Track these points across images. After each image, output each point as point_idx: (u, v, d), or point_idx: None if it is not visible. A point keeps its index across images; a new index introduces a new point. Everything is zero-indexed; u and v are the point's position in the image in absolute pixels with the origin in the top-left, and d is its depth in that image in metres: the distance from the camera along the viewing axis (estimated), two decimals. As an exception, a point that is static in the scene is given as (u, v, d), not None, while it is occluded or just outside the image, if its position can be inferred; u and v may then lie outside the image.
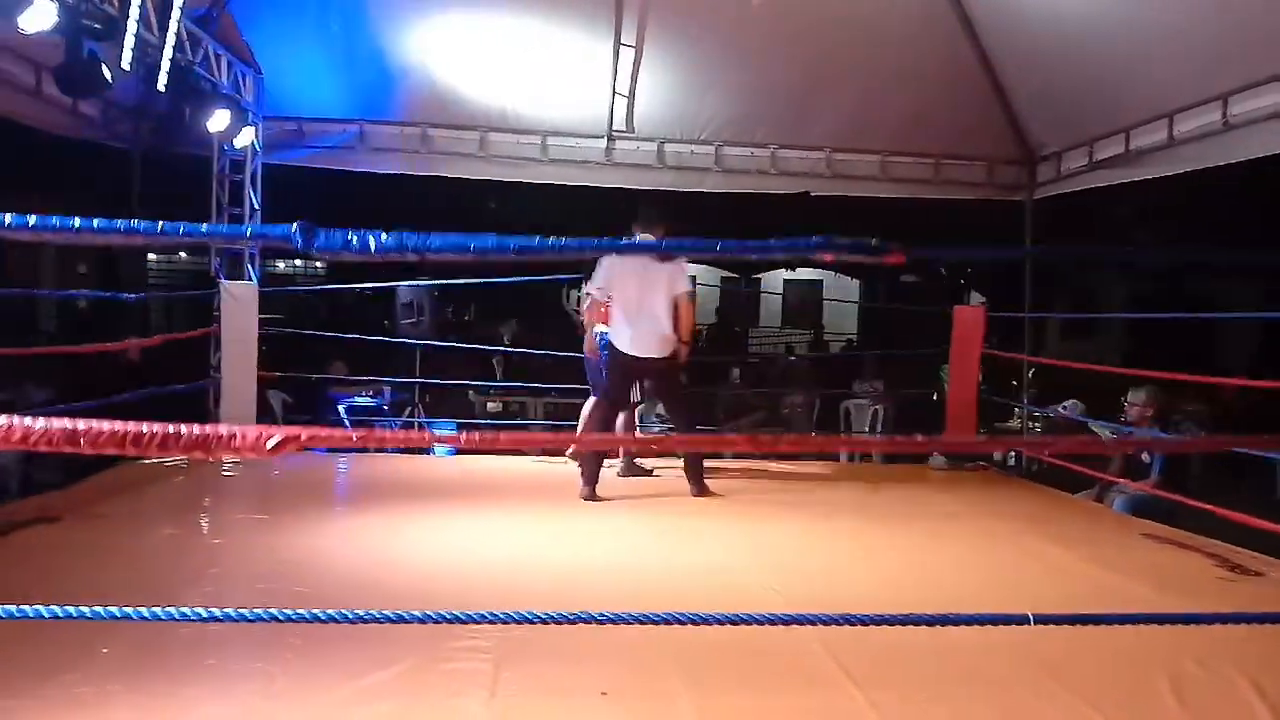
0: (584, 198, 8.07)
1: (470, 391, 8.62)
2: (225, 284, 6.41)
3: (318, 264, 20.19)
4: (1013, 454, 7.57)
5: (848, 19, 6.84)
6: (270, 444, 1.46)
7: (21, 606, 1.98)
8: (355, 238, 1.46)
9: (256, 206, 7.06)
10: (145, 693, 2.45)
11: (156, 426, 1.46)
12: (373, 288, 9.64)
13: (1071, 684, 2.66)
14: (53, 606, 1.98)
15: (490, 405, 9.05)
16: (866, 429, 8.78)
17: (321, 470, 5.99)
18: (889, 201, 8.07)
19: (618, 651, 2.77)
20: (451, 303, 10.13)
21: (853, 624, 2.37)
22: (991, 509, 5.50)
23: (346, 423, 7.74)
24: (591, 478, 5.26)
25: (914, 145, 7.77)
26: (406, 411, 7.98)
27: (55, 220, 1.45)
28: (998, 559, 4.36)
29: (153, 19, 5.21)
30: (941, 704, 2.60)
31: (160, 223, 1.42)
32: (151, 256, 18.49)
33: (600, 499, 5.22)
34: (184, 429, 1.45)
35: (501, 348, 9.54)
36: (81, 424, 1.44)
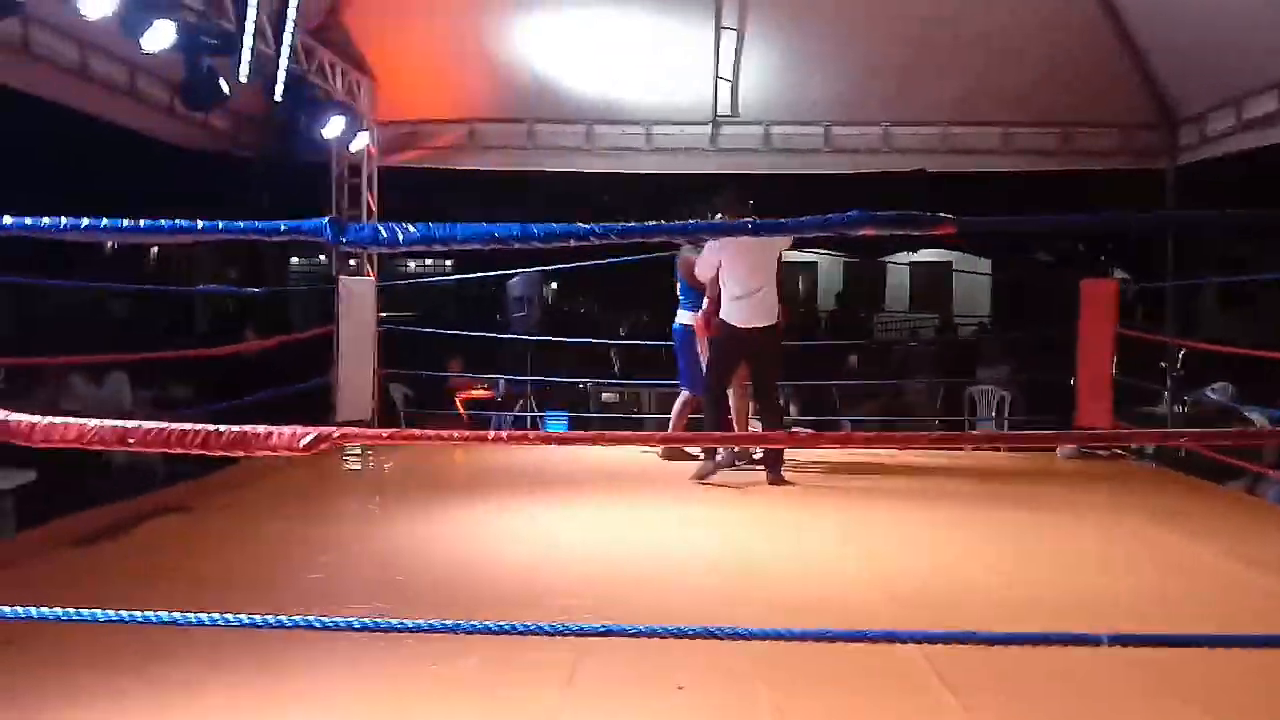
0: (690, 185, 8.02)
1: (582, 383, 8.71)
2: (344, 280, 6.69)
3: (447, 261, 20.93)
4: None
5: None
6: (304, 442, 1.48)
7: (132, 612, 2.06)
8: (384, 230, 1.47)
9: (373, 208, 7.33)
10: (240, 673, 2.57)
11: (200, 426, 1.50)
12: (494, 277, 9.78)
13: (1192, 700, 2.43)
14: (161, 612, 2.05)
15: (605, 396, 9.11)
16: (992, 415, 8.37)
17: (435, 460, 6.17)
18: (1011, 176, 7.66)
19: (699, 645, 2.71)
20: (569, 294, 10.26)
21: (950, 642, 2.23)
22: (1124, 501, 5.14)
23: (462, 415, 7.96)
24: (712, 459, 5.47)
25: (1038, 114, 7.31)
26: (518, 404, 8.14)
27: (109, 221, 1.51)
28: (1124, 556, 4.06)
29: (269, 32, 5.46)
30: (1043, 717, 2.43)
31: (199, 221, 1.46)
32: (294, 260, 19.61)
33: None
34: (223, 429, 1.49)
35: (616, 341, 9.60)
36: (131, 425, 1.50)
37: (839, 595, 3.41)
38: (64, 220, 1.47)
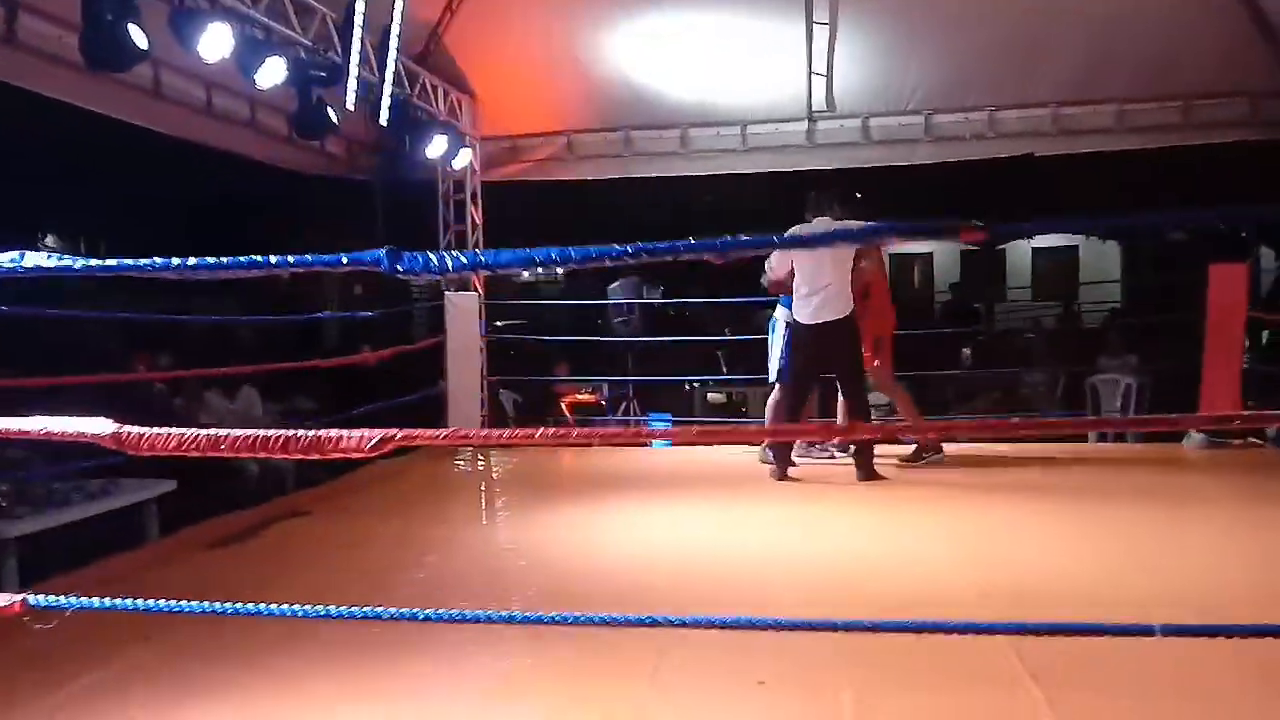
0: (789, 183, 7.96)
1: (687, 384, 8.77)
2: (450, 296, 6.97)
3: (558, 271, 21.37)
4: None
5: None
6: (370, 444, 1.60)
7: (259, 605, 2.25)
8: (435, 258, 1.57)
9: (478, 222, 7.60)
10: (352, 669, 2.75)
11: (280, 432, 1.64)
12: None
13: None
14: (274, 605, 2.22)
15: (712, 396, 9.14)
16: (1117, 407, 7.98)
17: (544, 463, 6.35)
18: (1128, 154, 7.28)
19: (782, 639, 2.73)
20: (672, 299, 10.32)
21: (1023, 633, 2.18)
22: (1256, 492, 4.84)
23: (569, 419, 8.14)
24: (783, 459, 5.47)
25: (1157, 88, 6.94)
26: (622, 407, 8.27)
27: (191, 261, 1.66)
28: (1250, 549, 3.83)
29: (373, 60, 5.76)
30: (1133, 714, 2.34)
31: (271, 257, 1.60)
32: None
33: (793, 479, 5.38)
34: (300, 434, 1.63)
35: (723, 338, 9.58)
36: (223, 433, 1.66)
37: (932, 592, 3.35)
38: (143, 261, 1.64)
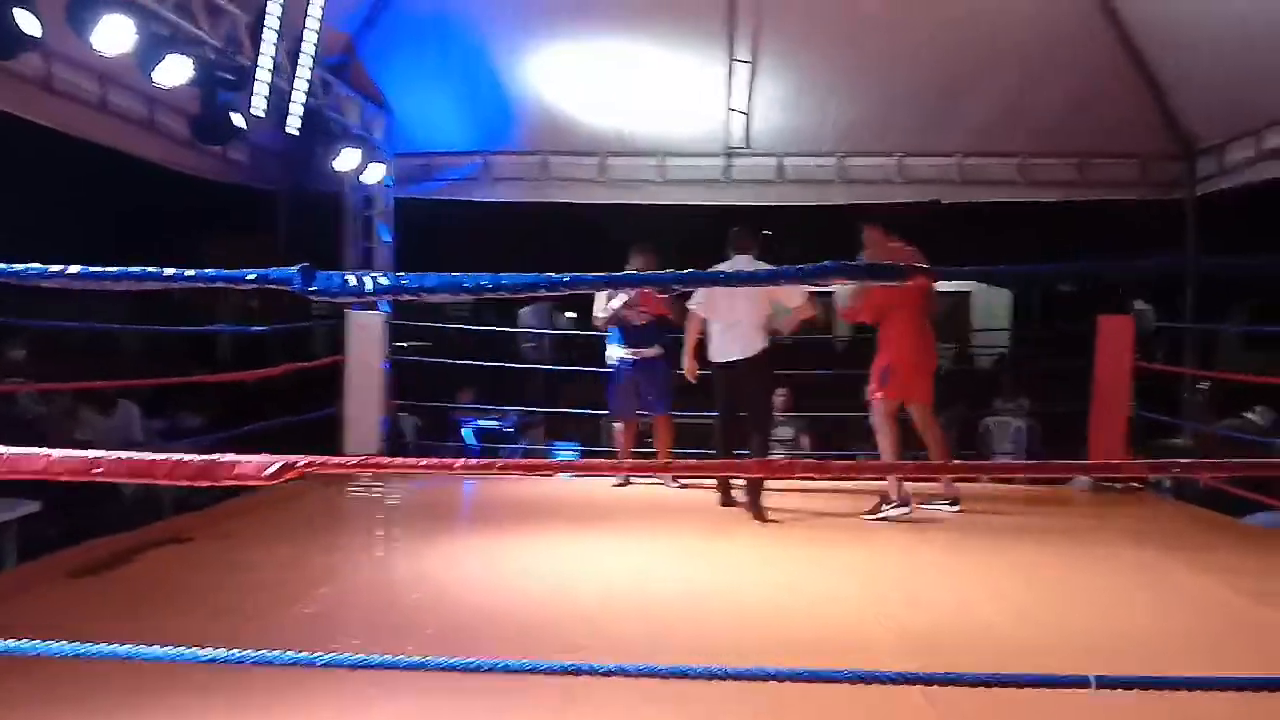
0: (704, 216, 8.00)
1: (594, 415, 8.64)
2: (352, 314, 6.71)
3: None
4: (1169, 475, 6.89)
5: (979, 15, 6.52)
6: (269, 471, 1.45)
7: (114, 647, 2.02)
8: (353, 279, 1.44)
9: (387, 240, 7.38)
10: (235, 710, 2.53)
11: (167, 456, 1.48)
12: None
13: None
14: (144, 647, 2.00)
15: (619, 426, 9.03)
16: (1009, 448, 8.24)
17: (443, 492, 6.13)
18: (1028, 207, 7.60)
19: (688, 687, 2.65)
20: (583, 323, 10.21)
21: (960, 684, 2.13)
22: (1141, 535, 5.02)
23: (475, 445, 7.93)
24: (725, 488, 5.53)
25: (1056, 145, 7.30)
26: (529, 434, 8.10)
27: (75, 269, 1.50)
28: (1142, 591, 3.95)
29: (286, 67, 5.53)
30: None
31: (172, 269, 1.45)
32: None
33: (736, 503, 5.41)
34: (190, 459, 1.47)
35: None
36: (95, 455, 1.48)
37: (850, 634, 3.32)
38: (43, 267, 1.47)
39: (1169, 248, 7.85)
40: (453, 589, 3.86)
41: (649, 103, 7.29)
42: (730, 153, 7.52)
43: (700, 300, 5.44)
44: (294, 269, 1.45)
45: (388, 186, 7.35)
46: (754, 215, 8.21)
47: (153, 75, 4.43)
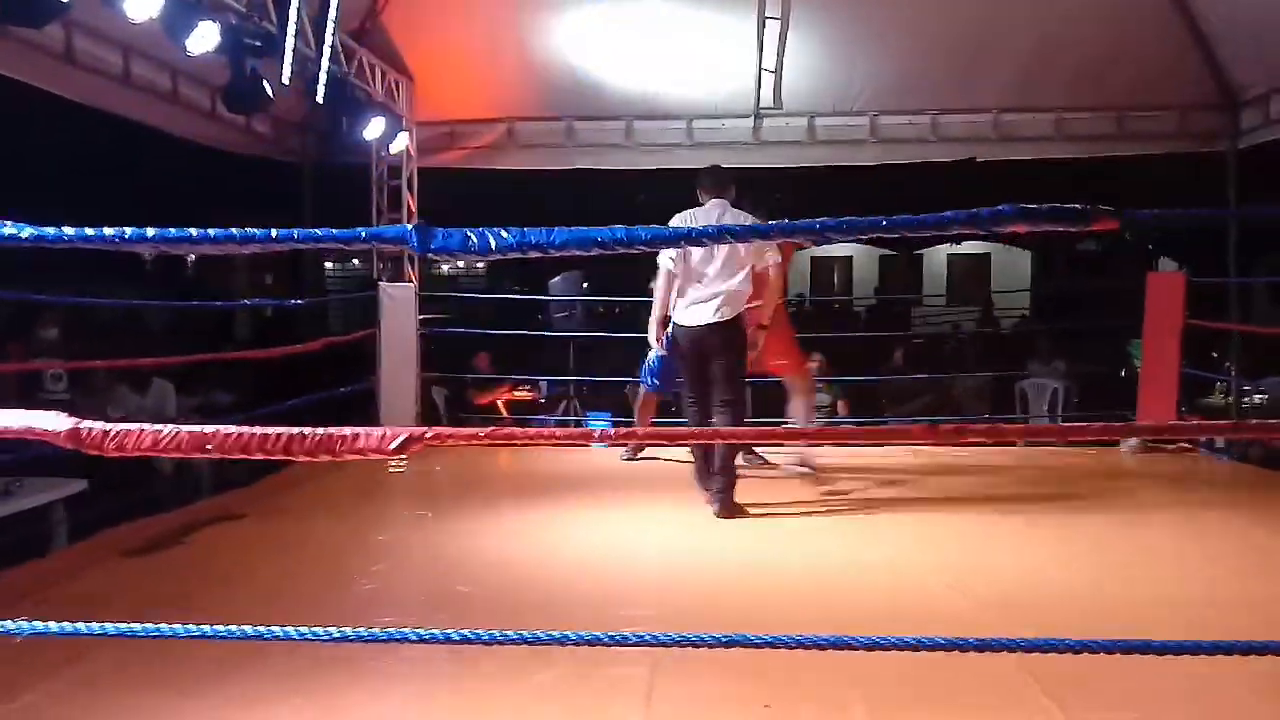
0: (734, 179, 7.85)
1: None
2: (384, 286, 6.63)
3: (479, 264, 20.91)
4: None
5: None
6: (394, 444, 1.37)
7: (188, 627, 1.97)
8: (475, 237, 1.35)
9: (413, 209, 7.26)
10: (306, 694, 2.48)
11: (283, 430, 1.40)
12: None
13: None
14: (219, 626, 1.94)
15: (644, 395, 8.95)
16: (1045, 411, 8.15)
17: (484, 465, 6.08)
18: (1065, 163, 7.44)
19: (784, 660, 2.58)
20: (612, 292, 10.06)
21: (1060, 650, 2.05)
22: (1198, 496, 4.94)
23: (505, 416, 7.87)
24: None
25: (1093, 98, 7.11)
26: (562, 406, 8.03)
27: (179, 232, 1.41)
28: (1210, 554, 3.87)
29: (309, 34, 5.40)
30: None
31: (274, 230, 1.35)
32: (329, 265, 19.67)
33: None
34: (308, 432, 1.39)
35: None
36: (210, 430, 1.40)
37: (923, 604, 3.25)
38: (128, 231, 1.38)
39: (1209, 203, 7.69)
40: (513, 562, 3.81)
41: (677, 64, 7.12)
42: (760, 114, 7.35)
43: (675, 254, 4.54)
44: (409, 226, 1.36)
45: (412, 156, 7.22)
46: (785, 178, 8.11)
47: (185, 43, 4.30)
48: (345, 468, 5.64)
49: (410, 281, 7.00)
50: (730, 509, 4.44)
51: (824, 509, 4.74)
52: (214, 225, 1.50)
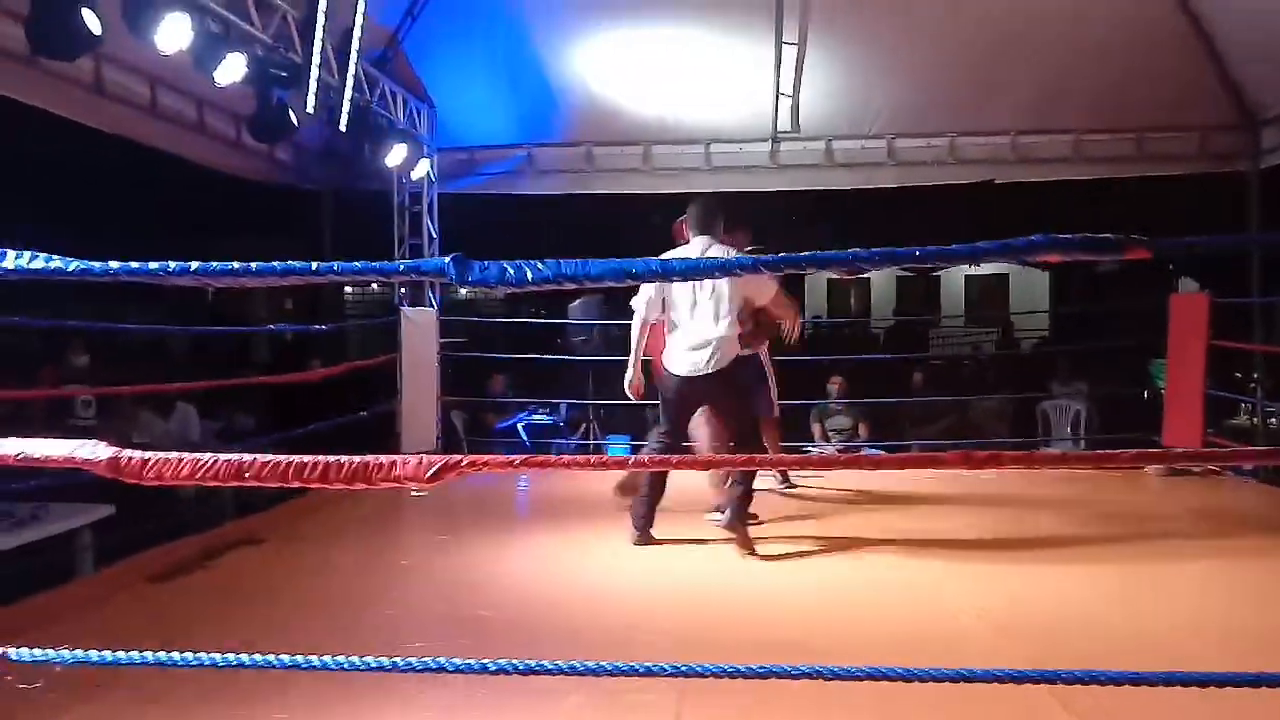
0: (750, 203, 7.89)
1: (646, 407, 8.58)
2: (406, 311, 6.67)
3: (498, 292, 20.98)
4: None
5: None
6: (430, 472, 1.38)
7: (213, 656, 1.97)
8: (512, 270, 1.36)
9: (434, 235, 7.33)
10: (324, 716, 2.48)
11: (319, 458, 1.42)
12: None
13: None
14: (242, 655, 1.96)
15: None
16: (1068, 432, 8.08)
17: (502, 489, 6.07)
18: (1083, 184, 7.43)
19: (807, 688, 2.56)
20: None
21: (1099, 682, 2.01)
22: (1227, 520, 4.88)
23: (525, 440, 7.88)
24: (643, 519, 4.37)
25: (1112, 120, 7.10)
26: (581, 429, 8.04)
27: (220, 265, 1.43)
28: (1242, 582, 3.82)
29: (333, 63, 5.48)
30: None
31: (314, 263, 1.38)
32: (348, 290, 19.82)
33: (655, 541, 4.37)
34: (344, 460, 1.40)
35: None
36: (248, 459, 1.42)
37: (943, 631, 3.22)
38: (172, 265, 1.40)
39: (1230, 224, 7.64)
40: (531, 589, 3.80)
41: (694, 89, 7.18)
42: (777, 137, 7.39)
43: (650, 297, 4.24)
44: (446, 259, 1.38)
45: (433, 182, 7.30)
46: (803, 201, 8.14)
47: (214, 74, 4.37)
48: (366, 493, 5.66)
49: (431, 306, 7.05)
50: (746, 540, 4.19)
51: (842, 534, 4.70)
52: (235, 252, 1.53)
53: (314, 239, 7.72)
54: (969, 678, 2.05)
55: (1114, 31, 6.49)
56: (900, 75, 7.07)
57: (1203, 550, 4.34)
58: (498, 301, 20.53)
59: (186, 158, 6.07)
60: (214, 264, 1.39)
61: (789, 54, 6.85)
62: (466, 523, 5.19)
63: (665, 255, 3.92)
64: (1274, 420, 8.06)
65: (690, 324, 4.20)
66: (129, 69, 5.30)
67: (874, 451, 7.50)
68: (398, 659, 1.94)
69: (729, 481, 4.46)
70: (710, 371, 4.19)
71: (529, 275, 1.34)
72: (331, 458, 1.39)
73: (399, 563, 4.27)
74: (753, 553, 4.18)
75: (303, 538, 4.66)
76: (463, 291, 21.22)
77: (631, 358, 4.39)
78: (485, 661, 1.95)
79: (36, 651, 1.55)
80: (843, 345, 12.54)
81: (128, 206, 9.74)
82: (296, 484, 1.42)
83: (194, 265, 1.39)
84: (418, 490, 5.71)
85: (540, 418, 8.01)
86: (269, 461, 1.40)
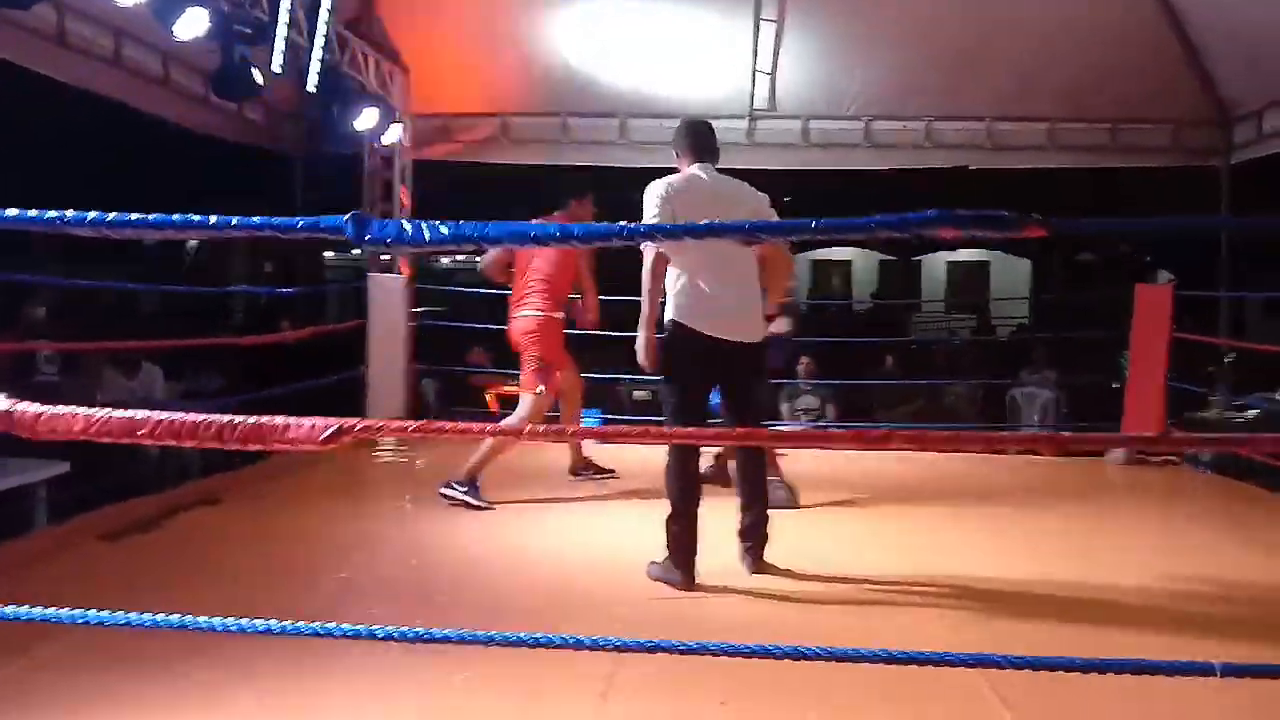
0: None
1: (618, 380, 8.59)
2: (373, 277, 6.64)
3: (478, 258, 20.92)
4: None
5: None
6: (324, 435, 1.38)
7: (153, 616, 1.95)
8: (410, 228, 1.36)
9: (405, 203, 7.27)
10: (267, 684, 2.49)
11: (214, 417, 1.42)
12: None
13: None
14: (183, 616, 1.93)
15: (637, 394, 8.98)
16: (1035, 420, 8.16)
17: (465, 457, 6.06)
18: (1058, 173, 7.45)
19: (735, 664, 2.59)
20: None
21: (1019, 667, 2.03)
22: (1182, 510, 4.95)
23: (494, 412, 7.87)
24: (686, 559, 3.41)
25: (1087, 110, 7.12)
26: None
27: (126, 216, 1.42)
28: (1188, 569, 3.87)
29: (302, 23, 5.41)
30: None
31: (213, 217, 1.37)
32: (329, 254, 19.68)
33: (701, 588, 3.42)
34: (239, 420, 1.40)
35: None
36: (140, 416, 1.42)
37: (891, 614, 3.26)
38: (89, 215, 1.39)
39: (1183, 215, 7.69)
40: (483, 557, 3.82)
41: (672, 63, 7.13)
42: (754, 115, 7.36)
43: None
44: (345, 217, 1.37)
45: (405, 148, 7.23)
46: (778, 179, 8.11)
47: (173, 28, 4.31)
48: (332, 457, 5.64)
49: (400, 273, 7.01)
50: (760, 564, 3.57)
51: (803, 516, 4.73)
52: (207, 212, 1.52)
53: (286, 201, 7.66)
54: (906, 660, 2.07)
55: (1090, 22, 6.48)
56: (878, 57, 7.05)
57: (1150, 534, 4.40)
58: (472, 272, 20.44)
59: (151, 113, 5.98)
60: (111, 215, 1.38)
61: (767, 31, 6.81)
62: (431, 489, 5.19)
63: (663, 183, 3.49)
64: (1243, 415, 8.15)
65: (720, 270, 3.43)
66: (92, 20, 5.21)
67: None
68: (328, 624, 1.96)
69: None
70: (750, 342, 3.47)
71: (426, 235, 1.33)
72: (226, 417, 1.39)
73: (355, 528, 4.27)
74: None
75: (261, 498, 4.66)
76: (445, 260, 21.16)
77: (644, 312, 3.43)
78: (421, 630, 1.96)
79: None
80: (820, 327, 12.57)
81: (93, 162, 9.63)
82: (191, 444, 1.42)
83: (90, 215, 1.38)
84: (383, 456, 5.72)
85: (511, 389, 7.98)
86: (164, 420, 1.40)
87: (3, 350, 5.80)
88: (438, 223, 1.35)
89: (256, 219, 1.36)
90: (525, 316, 4.84)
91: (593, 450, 5.41)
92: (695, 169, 3.62)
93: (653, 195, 3.47)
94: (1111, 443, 5.85)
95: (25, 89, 5.49)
